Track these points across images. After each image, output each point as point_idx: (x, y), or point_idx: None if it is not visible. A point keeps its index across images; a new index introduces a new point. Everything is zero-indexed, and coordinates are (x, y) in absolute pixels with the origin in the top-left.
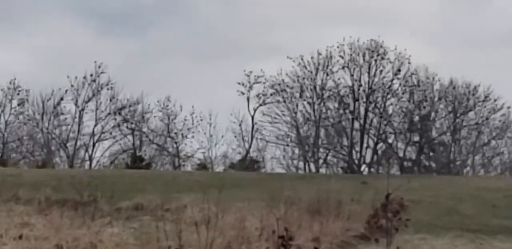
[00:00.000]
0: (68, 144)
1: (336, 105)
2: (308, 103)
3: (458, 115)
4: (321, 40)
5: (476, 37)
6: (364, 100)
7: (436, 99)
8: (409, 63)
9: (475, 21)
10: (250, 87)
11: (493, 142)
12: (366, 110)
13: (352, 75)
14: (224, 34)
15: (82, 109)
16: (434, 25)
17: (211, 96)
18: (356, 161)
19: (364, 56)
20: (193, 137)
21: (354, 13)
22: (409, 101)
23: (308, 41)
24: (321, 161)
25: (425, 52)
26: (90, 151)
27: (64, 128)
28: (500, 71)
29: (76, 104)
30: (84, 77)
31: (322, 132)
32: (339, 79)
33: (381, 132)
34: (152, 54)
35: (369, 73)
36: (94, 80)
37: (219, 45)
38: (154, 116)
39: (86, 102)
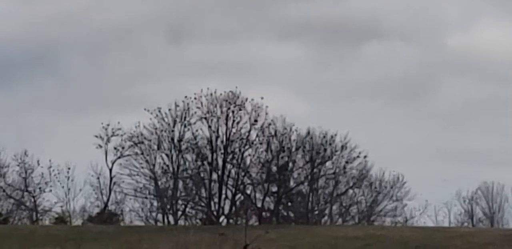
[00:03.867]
0: None
1: (194, 156)
2: (166, 155)
3: (315, 164)
4: (181, 92)
5: (339, 89)
6: (222, 151)
7: (293, 149)
8: (266, 113)
9: (341, 75)
10: (108, 140)
11: (350, 191)
12: (224, 161)
13: (210, 127)
14: (89, 87)
15: None
16: (299, 77)
17: (71, 150)
18: (215, 213)
19: (221, 107)
20: (51, 191)
21: (215, 66)
22: (266, 151)
23: (168, 93)
24: (179, 213)
25: (289, 104)
26: None
27: None
28: (359, 121)
29: None
30: None
31: (180, 184)
32: (197, 130)
33: (239, 183)
34: (13, 108)
35: (226, 124)
36: None
37: (83, 98)
38: (12, 171)
39: None
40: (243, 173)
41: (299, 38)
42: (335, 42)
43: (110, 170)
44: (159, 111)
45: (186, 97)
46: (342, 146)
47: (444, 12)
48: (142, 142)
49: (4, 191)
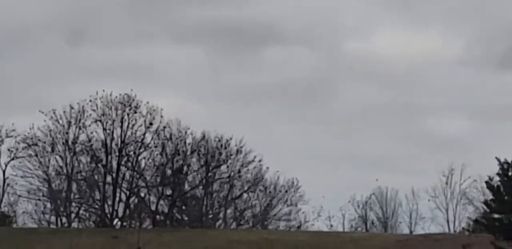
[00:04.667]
0: None
1: (89, 159)
2: (60, 157)
3: (210, 168)
4: (77, 94)
5: (237, 93)
6: (117, 153)
7: (188, 152)
8: (161, 116)
9: (239, 79)
10: (1, 142)
11: (245, 195)
12: (119, 164)
13: (104, 129)
14: None
15: None
16: (196, 80)
17: None
18: (109, 215)
19: (116, 109)
20: None
21: (112, 68)
22: (161, 154)
23: (64, 96)
24: (73, 215)
25: (186, 107)
26: None
27: None
28: (255, 125)
29: None
30: None
31: (74, 186)
32: (91, 133)
33: (133, 185)
34: None
35: (121, 126)
36: None
37: None
38: None
39: None
40: (137, 176)
41: (198, 41)
42: (234, 46)
43: (4, 171)
44: (54, 113)
45: (81, 99)
46: (237, 150)
47: (343, 18)
48: (36, 144)
49: None
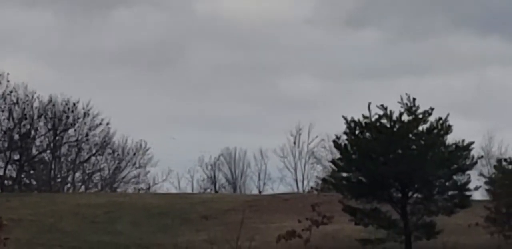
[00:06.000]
0: None
1: None
2: None
3: (58, 132)
4: None
5: (85, 57)
6: None
7: (35, 117)
8: (8, 81)
9: (88, 42)
10: None
11: (93, 159)
12: None
13: None
14: None
15: None
16: (44, 44)
17: None
18: None
19: None
20: None
21: None
22: (8, 119)
23: None
24: None
25: (33, 72)
26: None
27: None
28: (103, 88)
29: None
30: None
31: None
32: None
33: None
34: None
35: None
36: None
37: None
38: None
39: None
40: None
41: (47, 4)
42: (83, 8)
43: None
44: None
45: None
46: (85, 113)
47: None
48: None
49: None
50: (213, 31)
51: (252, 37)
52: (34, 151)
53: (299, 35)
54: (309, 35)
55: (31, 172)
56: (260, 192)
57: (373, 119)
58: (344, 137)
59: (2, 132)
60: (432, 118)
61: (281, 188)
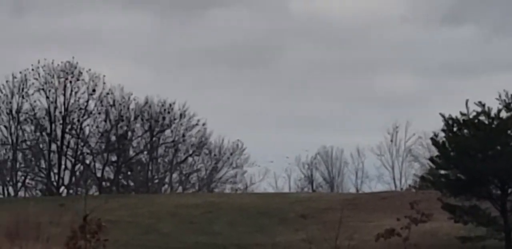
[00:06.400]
0: None
1: (33, 128)
2: (5, 126)
3: (154, 133)
4: (20, 64)
5: (180, 57)
6: (61, 121)
7: (132, 118)
8: (104, 83)
9: (183, 42)
10: None
11: (190, 159)
12: (63, 132)
13: (48, 97)
14: None
15: None
16: (139, 46)
17: None
18: (55, 183)
19: (59, 77)
20: None
21: (55, 36)
22: (105, 121)
23: (6, 65)
24: (19, 184)
25: (129, 73)
26: None
27: None
28: (199, 89)
29: None
30: None
31: (19, 156)
32: (35, 101)
33: (78, 153)
34: None
35: (64, 94)
36: None
37: None
38: None
39: None
40: (82, 143)
41: (142, 6)
42: (178, 10)
43: None
44: None
45: (23, 68)
46: (181, 114)
47: None
48: None
49: None
50: (308, 30)
51: (347, 35)
52: (131, 153)
53: (395, 33)
54: (405, 32)
55: (129, 173)
56: (357, 190)
57: (471, 116)
58: (442, 134)
59: (100, 134)
60: None
61: (378, 187)
